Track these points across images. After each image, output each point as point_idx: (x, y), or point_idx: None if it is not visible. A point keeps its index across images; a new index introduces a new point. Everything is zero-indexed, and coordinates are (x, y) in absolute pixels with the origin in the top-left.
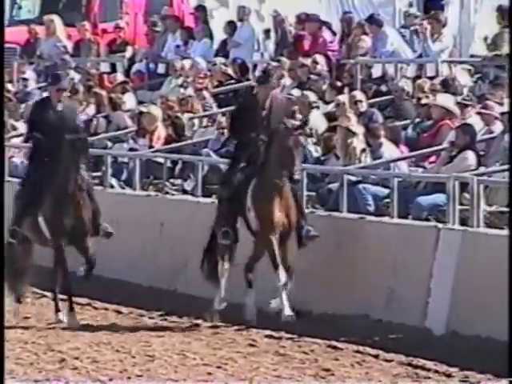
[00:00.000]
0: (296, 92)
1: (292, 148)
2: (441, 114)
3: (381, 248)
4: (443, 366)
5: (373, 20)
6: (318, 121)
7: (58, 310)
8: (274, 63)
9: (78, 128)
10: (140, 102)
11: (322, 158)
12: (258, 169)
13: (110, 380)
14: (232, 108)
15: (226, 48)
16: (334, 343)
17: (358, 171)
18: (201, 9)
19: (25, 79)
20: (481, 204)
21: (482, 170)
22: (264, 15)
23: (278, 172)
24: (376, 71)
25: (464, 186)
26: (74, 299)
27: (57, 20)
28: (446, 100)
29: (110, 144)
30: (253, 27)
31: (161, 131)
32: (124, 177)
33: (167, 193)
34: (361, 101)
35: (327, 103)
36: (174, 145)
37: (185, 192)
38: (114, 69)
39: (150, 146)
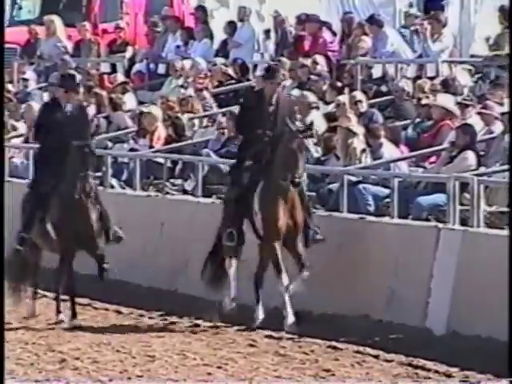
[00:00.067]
0: (296, 92)
1: (296, 151)
2: (441, 115)
3: (381, 248)
4: (443, 366)
5: (373, 20)
6: (317, 121)
7: (59, 311)
8: (274, 63)
9: (86, 131)
10: (140, 103)
11: (323, 159)
12: (264, 170)
13: (111, 380)
14: (233, 107)
15: (227, 48)
16: (335, 343)
17: (358, 171)
18: (201, 9)
19: (25, 79)
20: (481, 204)
21: (483, 170)
22: (264, 15)
23: (283, 174)
24: (376, 71)
25: (464, 186)
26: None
27: (57, 20)
28: (446, 100)
29: (110, 144)
30: (253, 27)
31: (161, 131)
32: (124, 177)
33: (167, 193)
34: (361, 101)
35: (327, 104)
36: (174, 145)
37: (185, 192)
38: (114, 69)
39: (151, 147)
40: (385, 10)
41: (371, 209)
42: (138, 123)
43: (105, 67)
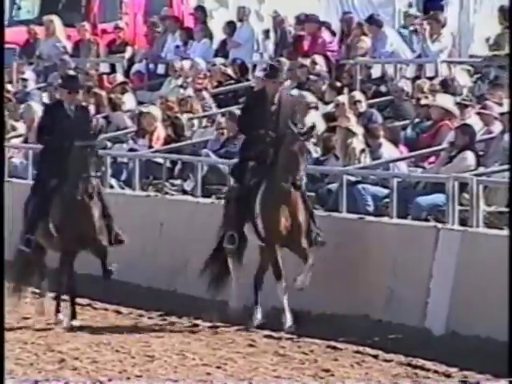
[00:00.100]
0: (295, 92)
1: (297, 153)
2: (440, 115)
3: (380, 248)
4: (443, 366)
5: (372, 20)
6: (316, 121)
7: (58, 311)
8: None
9: (90, 132)
10: (139, 103)
11: (322, 159)
12: (266, 172)
13: (110, 380)
14: (233, 108)
15: (226, 48)
16: (334, 343)
17: (357, 171)
18: (200, 9)
19: (24, 79)
20: (480, 204)
21: (482, 170)
22: (263, 15)
23: (284, 177)
24: (375, 71)
25: (463, 186)
26: None
27: (56, 20)
28: (446, 100)
29: (109, 144)
30: (252, 27)
31: (160, 131)
32: (124, 177)
33: (167, 193)
34: (360, 101)
35: (327, 104)
36: (173, 145)
37: (184, 192)
38: (113, 69)
39: (150, 147)
40: (384, 10)
41: (370, 209)
42: (138, 123)
43: (104, 67)
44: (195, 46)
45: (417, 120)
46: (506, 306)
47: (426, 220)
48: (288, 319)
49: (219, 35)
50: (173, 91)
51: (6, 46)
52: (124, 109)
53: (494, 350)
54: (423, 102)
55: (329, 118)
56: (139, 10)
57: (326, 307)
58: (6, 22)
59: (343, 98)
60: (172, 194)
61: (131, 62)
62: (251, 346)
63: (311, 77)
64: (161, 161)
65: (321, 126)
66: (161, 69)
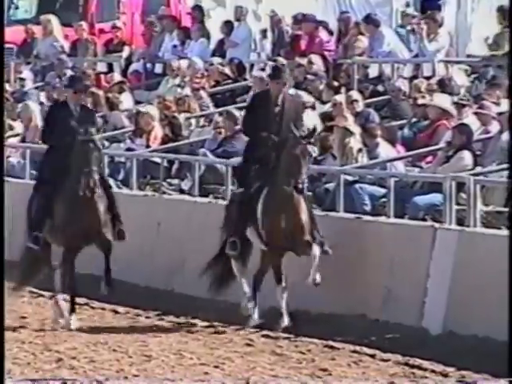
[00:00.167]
0: (292, 92)
1: (299, 157)
2: (437, 114)
3: (377, 248)
4: (440, 366)
5: (370, 20)
6: (314, 121)
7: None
8: (271, 63)
9: (92, 128)
10: (137, 102)
11: (319, 158)
12: (268, 175)
13: (107, 380)
14: (230, 107)
15: (223, 48)
16: (331, 343)
17: (354, 171)
18: (198, 9)
19: (22, 79)
20: (477, 204)
21: (479, 169)
22: (261, 15)
23: (286, 180)
24: (373, 71)
25: (460, 186)
26: None
27: (54, 20)
28: (443, 100)
29: (107, 144)
30: (250, 27)
31: (158, 131)
32: (121, 177)
33: (164, 193)
34: (357, 101)
35: (324, 103)
36: (170, 144)
37: (182, 192)
38: (110, 69)
39: (147, 146)
40: (381, 9)
41: (368, 208)
42: (135, 123)
43: (101, 67)
44: (193, 45)
45: (414, 119)
46: (504, 305)
47: (424, 220)
48: (285, 320)
49: (216, 35)
50: (170, 91)
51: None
52: (121, 108)
53: (492, 350)
54: (420, 101)
55: (326, 117)
56: (137, 10)
57: (324, 307)
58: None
59: (340, 98)
60: (169, 194)
61: (129, 61)
62: (249, 345)
63: (308, 76)
64: (158, 160)
65: (318, 126)
66: (158, 68)
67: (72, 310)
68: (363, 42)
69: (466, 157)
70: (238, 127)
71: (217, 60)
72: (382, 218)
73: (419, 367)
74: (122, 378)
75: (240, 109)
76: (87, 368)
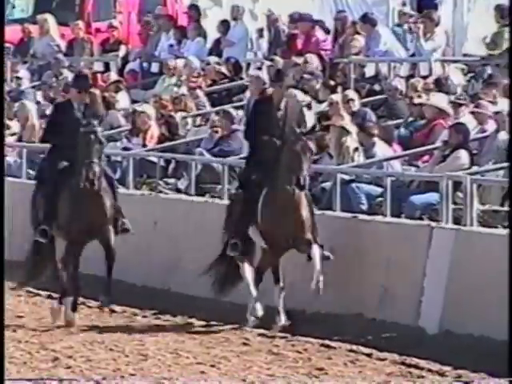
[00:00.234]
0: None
1: (300, 153)
2: (434, 114)
3: (374, 247)
4: (436, 365)
5: (366, 19)
6: (310, 120)
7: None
8: (268, 62)
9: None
10: (133, 101)
11: (315, 157)
12: (270, 172)
13: (104, 379)
14: (227, 106)
15: (220, 47)
16: (328, 342)
17: (351, 170)
18: (194, 8)
19: (18, 78)
20: (474, 203)
21: (475, 168)
22: (257, 14)
23: (287, 178)
24: (369, 70)
25: (457, 185)
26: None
27: (50, 19)
28: (439, 99)
29: None
30: (246, 26)
31: (154, 130)
32: (117, 176)
33: (161, 192)
34: (353, 100)
35: (320, 102)
36: (167, 144)
37: (178, 191)
38: (107, 68)
39: (144, 145)
40: (378, 8)
41: (364, 207)
42: (132, 122)
43: (98, 66)
44: (189, 44)
45: (410, 119)
46: (501, 304)
47: (420, 219)
48: (282, 319)
49: (213, 34)
50: (167, 90)
51: None
52: (118, 107)
53: (488, 349)
54: (417, 100)
55: (322, 116)
56: (133, 9)
57: (320, 306)
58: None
59: (337, 97)
60: (166, 193)
61: (125, 60)
62: (245, 344)
63: (305, 75)
64: (155, 159)
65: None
66: (155, 67)
67: (74, 309)
68: (360, 41)
69: (463, 156)
70: (234, 126)
71: (213, 59)
72: (379, 217)
73: (416, 366)
74: (119, 377)
75: (237, 108)
76: (84, 367)
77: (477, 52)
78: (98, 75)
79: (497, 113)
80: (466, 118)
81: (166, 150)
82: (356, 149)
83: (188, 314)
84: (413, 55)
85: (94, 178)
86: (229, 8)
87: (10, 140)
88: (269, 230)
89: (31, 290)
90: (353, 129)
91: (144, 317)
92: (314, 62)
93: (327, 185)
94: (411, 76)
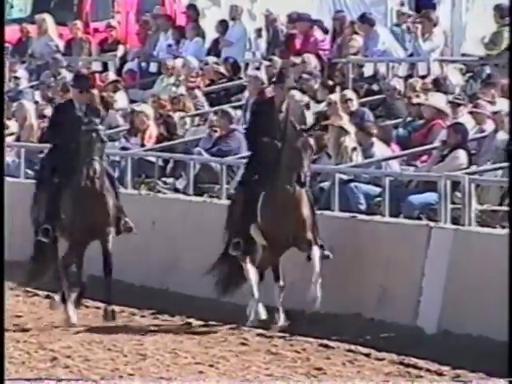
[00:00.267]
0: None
1: (301, 150)
2: (432, 114)
3: (372, 247)
4: (435, 365)
5: (365, 19)
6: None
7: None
8: (266, 62)
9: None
10: (132, 101)
11: (314, 157)
12: (270, 170)
13: (102, 379)
14: (225, 106)
15: (218, 47)
16: (326, 342)
17: (349, 170)
18: (192, 8)
19: (16, 78)
20: (472, 203)
21: (474, 168)
22: (256, 14)
23: (288, 175)
24: (367, 70)
25: (455, 185)
26: None
27: (48, 19)
28: (438, 99)
29: None
30: (245, 26)
31: (152, 130)
32: (116, 175)
33: (159, 191)
34: (351, 99)
35: (319, 102)
36: (165, 143)
37: (177, 191)
38: (105, 68)
39: (142, 145)
40: (376, 8)
41: (363, 207)
42: (130, 122)
43: (96, 66)
44: (187, 44)
45: (409, 119)
46: (499, 304)
47: (419, 218)
48: (281, 318)
49: (211, 34)
50: (165, 89)
51: None
52: (116, 107)
53: (487, 349)
54: (415, 100)
55: (321, 116)
56: (131, 9)
57: (319, 306)
58: None
59: (335, 97)
60: (164, 193)
61: (123, 60)
62: (243, 344)
63: (303, 75)
64: (153, 159)
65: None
66: (153, 67)
67: (76, 305)
68: (358, 41)
69: (461, 156)
70: (232, 126)
71: (212, 59)
72: (377, 217)
73: (414, 366)
74: (117, 377)
75: (235, 108)
76: (82, 367)
77: (475, 52)
78: (97, 75)
79: (495, 113)
80: (465, 117)
81: (164, 150)
82: (354, 148)
83: (186, 313)
84: (411, 55)
85: (94, 175)
86: (227, 8)
87: (8, 140)
88: (269, 229)
89: (29, 289)
90: (351, 129)
91: (142, 317)
92: (312, 61)
93: (326, 185)
94: (409, 76)
